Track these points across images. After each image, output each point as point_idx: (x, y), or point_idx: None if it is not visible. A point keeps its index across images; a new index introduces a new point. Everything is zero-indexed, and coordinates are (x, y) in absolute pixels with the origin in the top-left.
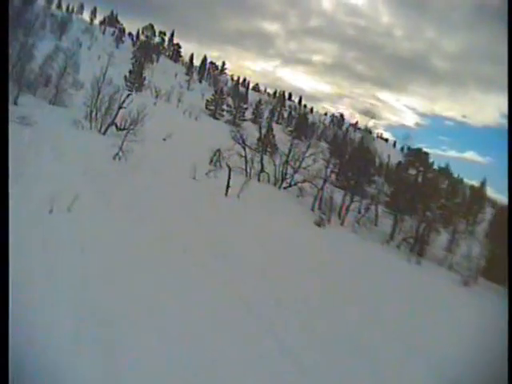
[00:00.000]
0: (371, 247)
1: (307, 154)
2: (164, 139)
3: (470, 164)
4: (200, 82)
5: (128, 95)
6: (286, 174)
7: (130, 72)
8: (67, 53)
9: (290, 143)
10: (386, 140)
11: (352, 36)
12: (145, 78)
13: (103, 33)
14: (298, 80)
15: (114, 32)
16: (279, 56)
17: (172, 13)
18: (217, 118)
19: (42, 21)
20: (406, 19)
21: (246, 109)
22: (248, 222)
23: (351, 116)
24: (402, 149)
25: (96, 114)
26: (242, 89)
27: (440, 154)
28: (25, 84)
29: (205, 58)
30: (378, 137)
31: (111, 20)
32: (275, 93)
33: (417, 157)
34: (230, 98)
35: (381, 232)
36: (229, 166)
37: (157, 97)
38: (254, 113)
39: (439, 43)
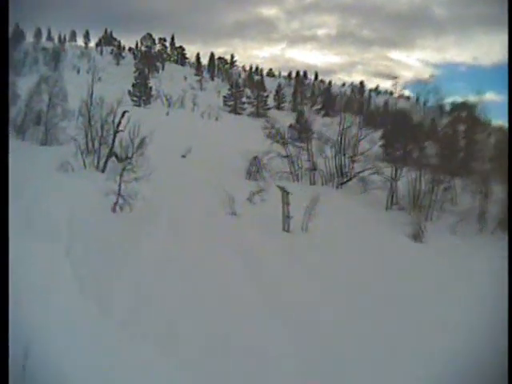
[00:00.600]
0: None
1: (362, 136)
2: (183, 156)
3: (491, 104)
4: (212, 79)
5: (123, 113)
6: (343, 167)
7: (134, 85)
8: (49, 81)
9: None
10: (408, 98)
11: (350, 3)
12: (151, 89)
13: (101, 53)
14: (309, 57)
15: (113, 50)
16: (284, 38)
17: (168, 20)
18: (238, 113)
19: (32, 56)
20: None
21: (267, 96)
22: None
23: (368, 81)
24: (425, 104)
25: (92, 145)
26: (256, 77)
27: (460, 100)
28: (12, 128)
29: (212, 55)
30: (399, 96)
31: (107, 39)
32: (289, 74)
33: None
34: (247, 89)
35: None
36: (284, 191)
37: (169, 105)
38: (275, 99)
39: None
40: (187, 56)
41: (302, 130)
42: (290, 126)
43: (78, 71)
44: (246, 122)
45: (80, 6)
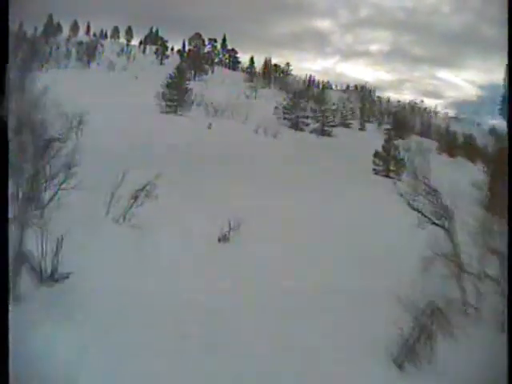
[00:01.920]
0: None
1: None
2: (228, 231)
3: None
4: (268, 87)
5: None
6: None
7: (168, 85)
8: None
9: None
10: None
11: (403, 20)
12: (190, 92)
13: (143, 52)
14: (360, 72)
15: (157, 49)
16: (337, 52)
17: (219, 26)
18: (300, 129)
19: (65, 50)
20: None
21: (335, 111)
22: None
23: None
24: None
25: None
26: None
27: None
28: None
29: (269, 61)
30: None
31: (151, 38)
32: (347, 88)
33: None
34: (307, 101)
35: None
36: None
37: (214, 114)
38: (342, 115)
39: (485, 10)
40: (240, 61)
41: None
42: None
43: (114, 69)
44: (312, 141)
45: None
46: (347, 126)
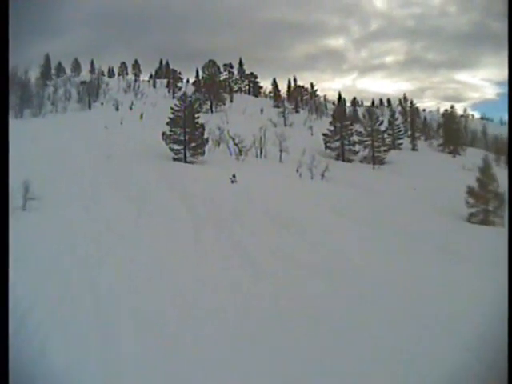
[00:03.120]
0: None
1: None
2: None
3: None
4: (296, 111)
5: None
6: None
7: (171, 122)
8: None
9: None
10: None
11: (413, 27)
12: (200, 127)
13: (154, 85)
14: (380, 85)
15: (169, 82)
16: (354, 68)
17: (233, 55)
18: (348, 160)
19: (64, 91)
20: None
21: (384, 132)
22: None
23: (439, 105)
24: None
25: None
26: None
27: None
28: None
29: (293, 81)
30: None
31: (162, 71)
32: (372, 103)
33: None
34: (351, 124)
35: None
36: None
37: (240, 154)
38: (389, 135)
39: (492, 6)
40: (261, 85)
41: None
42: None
43: (117, 108)
44: (370, 175)
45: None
46: (398, 147)
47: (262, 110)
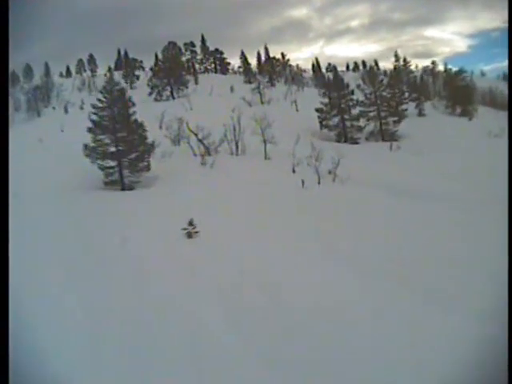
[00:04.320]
0: None
1: None
2: None
3: None
4: (272, 84)
5: None
6: None
7: (95, 125)
8: None
9: None
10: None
11: None
12: (142, 128)
13: (110, 79)
14: (349, 50)
15: (125, 72)
16: (320, 36)
17: (195, 33)
18: (354, 141)
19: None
20: None
21: (391, 98)
22: None
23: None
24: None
25: None
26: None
27: (499, 66)
28: None
29: (265, 53)
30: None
31: (121, 62)
32: (356, 67)
33: None
34: (350, 93)
35: None
36: None
37: (208, 154)
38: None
39: None
40: (228, 61)
41: None
42: None
43: (66, 110)
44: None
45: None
46: (403, 114)
47: (232, 88)
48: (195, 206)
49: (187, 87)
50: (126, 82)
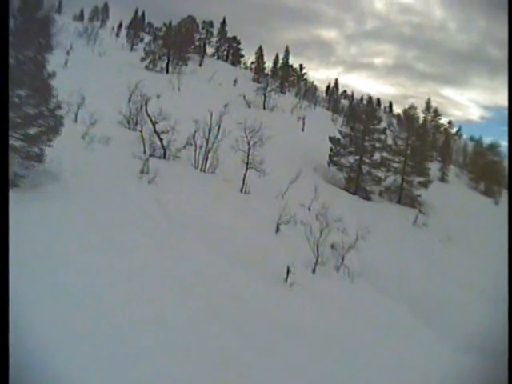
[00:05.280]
0: None
1: None
2: None
3: None
4: (282, 91)
5: None
6: None
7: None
8: None
9: None
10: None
11: (409, 34)
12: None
13: (117, 35)
14: (363, 84)
15: (131, 32)
16: (341, 63)
17: (217, 12)
18: (366, 195)
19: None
20: (457, 11)
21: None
22: None
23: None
24: None
25: None
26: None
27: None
28: None
29: (284, 59)
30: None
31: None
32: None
33: None
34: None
35: None
36: None
37: (164, 151)
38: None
39: (492, 31)
40: (242, 54)
41: None
42: None
43: (66, 63)
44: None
45: None
46: (429, 175)
47: (235, 81)
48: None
49: (186, 64)
50: (127, 42)
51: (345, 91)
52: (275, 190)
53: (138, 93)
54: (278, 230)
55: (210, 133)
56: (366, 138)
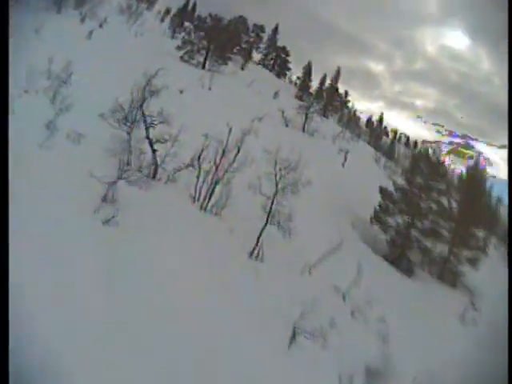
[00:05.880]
0: None
1: None
2: None
3: None
4: (324, 115)
5: None
6: None
7: None
8: None
9: None
10: None
11: (454, 82)
12: None
13: (162, 20)
14: (402, 123)
15: (174, 19)
16: (384, 97)
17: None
18: (410, 268)
19: None
20: (505, 67)
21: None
22: None
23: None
24: None
25: None
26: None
27: None
28: None
29: (334, 80)
30: None
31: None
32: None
33: None
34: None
35: None
36: None
37: (155, 168)
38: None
39: None
40: (289, 66)
41: None
42: None
43: (90, 35)
44: None
45: None
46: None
47: (276, 94)
48: None
49: (226, 64)
50: (169, 29)
51: (385, 127)
52: (301, 260)
53: (154, 83)
54: (292, 339)
55: (223, 155)
56: (423, 196)
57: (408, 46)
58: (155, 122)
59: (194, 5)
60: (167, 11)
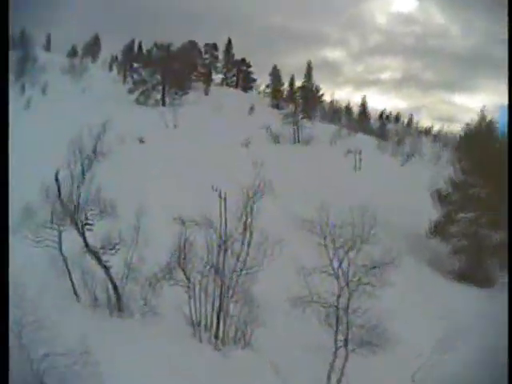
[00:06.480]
0: None
1: None
2: None
3: None
4: (304, 117)
5: None
6: None
7: None
8: None
9: None
10: None
11: (412, 45)
12: None
13: (110, 68)
14: (375, 101)
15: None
16: (349, 81)
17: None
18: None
19: None
20: (457, 16)
21: None
22: None
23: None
24: None
25: None
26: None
27: None
28: None
29: (307, 81)
30: None
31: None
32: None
33: None
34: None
35: None
36: None
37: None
38: None
39: (493, 31)
40: (254, 78)
41: None
42: None
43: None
44: None
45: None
46: None
47: (251, 109)
48: None
49: (187, 93)
50: (118, 74)
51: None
52: None
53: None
54: None
55: (222, 248)
56: (482, 182)
57: (359, 24)
58: (91, 222)
59: (140, 44)
60: (115, 58)
